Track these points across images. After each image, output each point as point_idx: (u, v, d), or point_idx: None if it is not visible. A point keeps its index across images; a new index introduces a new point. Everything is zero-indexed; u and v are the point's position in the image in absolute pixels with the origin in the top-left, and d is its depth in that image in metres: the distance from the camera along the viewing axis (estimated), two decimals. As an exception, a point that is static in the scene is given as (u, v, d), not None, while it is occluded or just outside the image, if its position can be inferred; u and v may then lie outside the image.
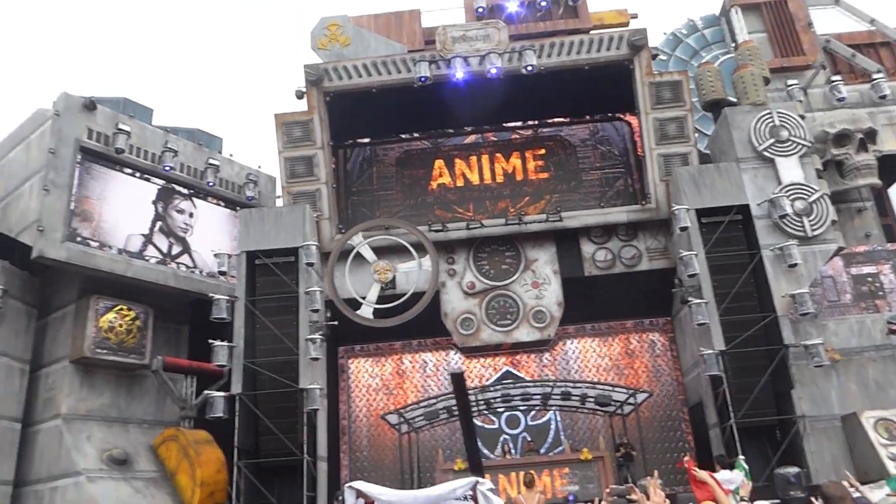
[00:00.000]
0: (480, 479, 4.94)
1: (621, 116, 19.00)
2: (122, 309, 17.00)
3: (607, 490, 13.84)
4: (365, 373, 18.73)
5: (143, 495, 14.78)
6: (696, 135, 17.73)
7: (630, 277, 17.11)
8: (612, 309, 18.31)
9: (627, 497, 13.08)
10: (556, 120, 19.31)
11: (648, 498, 5.07)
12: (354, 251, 16.58)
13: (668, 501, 4.80)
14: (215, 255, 18.07)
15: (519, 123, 19.42)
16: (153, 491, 15.13)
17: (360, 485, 5.28)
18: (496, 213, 18.15)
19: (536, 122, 19.33)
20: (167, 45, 66.46)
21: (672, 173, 16.62)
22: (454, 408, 16.25)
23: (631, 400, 16.84)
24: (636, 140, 18.49)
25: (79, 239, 16.55)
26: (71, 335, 16.43)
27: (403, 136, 19.55)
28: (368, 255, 16.66)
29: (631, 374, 18.56)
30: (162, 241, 18.24)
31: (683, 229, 15.67)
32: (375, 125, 19.05)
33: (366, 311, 16.34)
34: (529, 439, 17.96)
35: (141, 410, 16.99)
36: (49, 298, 17.39)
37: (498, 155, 19.02)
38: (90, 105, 17.36)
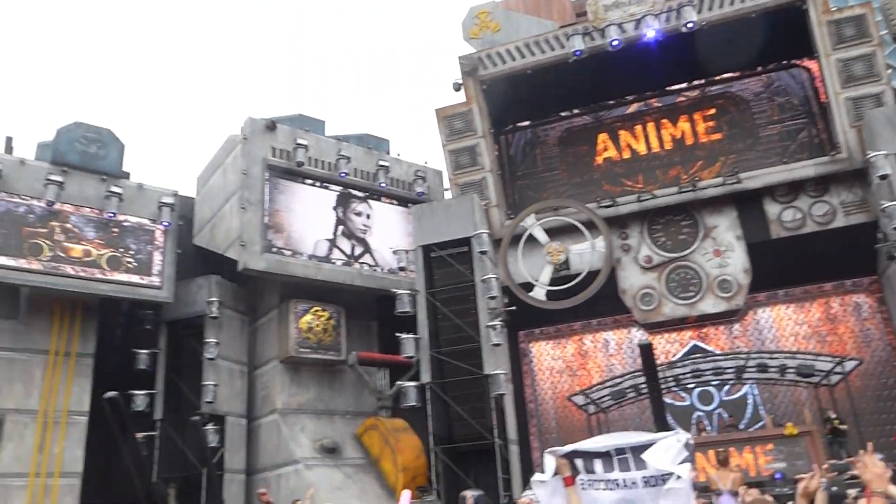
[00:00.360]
0: (680, 431, 4.76)
1: (798, 63, 17.42)
2: (317, 310, 18.45)
3: (825, 466, 12.93)
4: (547, 355, 18.86)
5: (353, 480, 16.05)
6: (889, 71, 15.87)
7: (824, 236, 15.73)
8: (806, 272, 16.93)
9: (844, 473, 12.13)
10: (724, 76, 18.11)
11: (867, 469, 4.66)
12: (526, 234, 16.73)
13: (889, 472, 4.41)
14: (394, 252, 19.11)
15: (684, 85, 18.45)
16: (361, 476, 16.37)
17: (558, 448, 5.24)
18: (668, 182, 17.45)
19: (703, 81, 18.26)
20: (329, 57, 70.15)
21: (864, 117, 15.03)
22: (641, 386, 15.94)
23: (838, 369, 15.54)
24: (817, 86, 16.88)
25: (274, 249, 18.14)
26: (277, 337, 18.13)
27: (563, 114, 19.30)
28: (541, 236, 16.75)
29: (835, 341, 17.09)
30: (345, 244, 19.50)
31: (883, 178, 14.14)
32: (534, 107, 18.99)
33: (538, 293, 16.47)
34: (728, 415, 17.15)
35: (343, 403, 18.42)
36: (256, 305, 19.31)
37: (664, 121, 18.23)
38: (271, 126, 18.93)
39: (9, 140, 18.10)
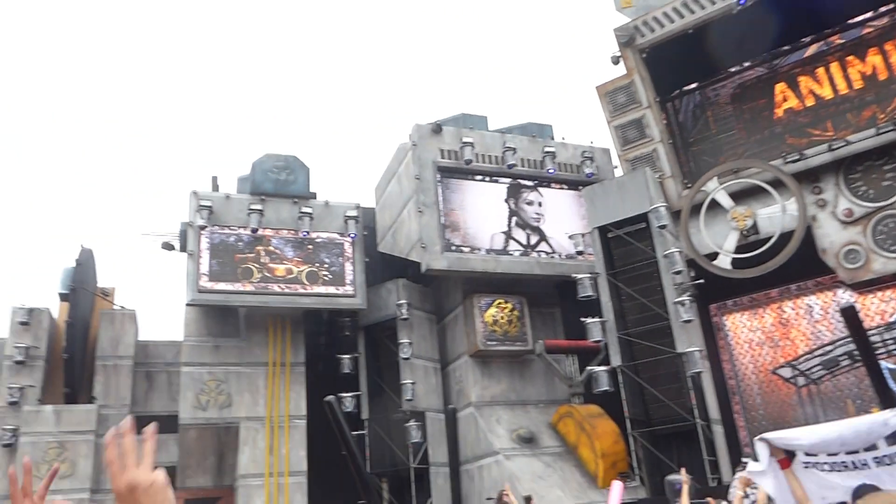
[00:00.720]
0: None
1: None
2: (500, 302, 18.83)
3: None
4: (743, 327, 17.72)
5: (552, 469, 16.23)
6: None
7: None
8: None
9: None
10: (919, -5, 15.91)
11: None
12: (707, 202, 15.94)
13: None
14: (570, 237, 19.03)
15: (869, 14, 16.42)
16: (561, 464, 16.50)
17: (772, 435, 5.00)
18: (862, 125, 15.68)
19: (892, 6, 16.13)
20: (482, 52, 70.74)
21: None
22: (856, 352, 14.53)
23: None
24: None
25: (453, 248, 18.77)
26: (464, 333, 18.75)
27: (733, 69, 18.00)
28: (725, 201, 15.87)
29: None
30: (520, 235, 19.69)
31: None
32: (700, 67, 17.93)
33: (723, 262, 15.61)
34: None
35: (534, 392, 18.65)
36: (441, 304, 20.10)
37: (850, 58, 16.37)
38: (437, 129, 19.58)
39: (214, 179, 20.37)
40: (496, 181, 20.04)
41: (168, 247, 20.73)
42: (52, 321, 20.03)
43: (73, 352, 18.83)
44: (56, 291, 19.75)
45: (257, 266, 18.58)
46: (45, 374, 19.16)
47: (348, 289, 19.07)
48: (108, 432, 1.36)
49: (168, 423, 18.51)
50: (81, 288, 19.65)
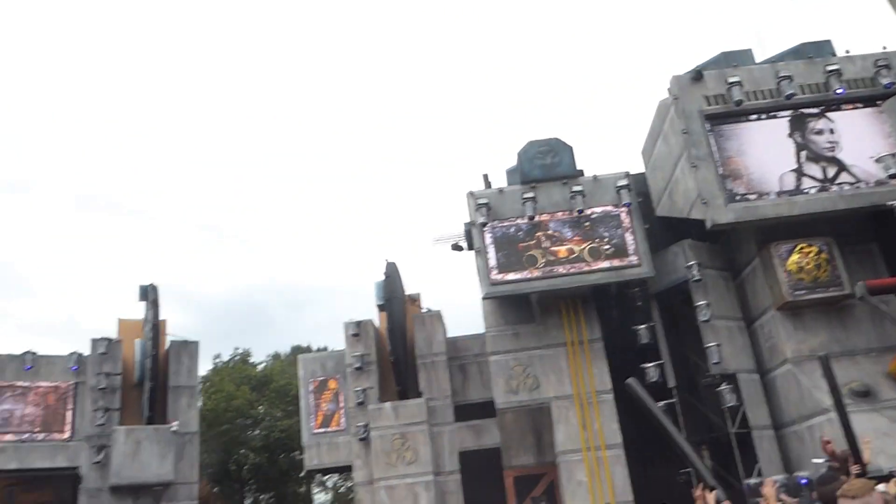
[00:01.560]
0: None
1: None
2: (802, 247, 17.17)
3: None
4: None
5: (899, 423, 14.41)
6: None
7: None
8: None
9: None
10: None
11: None
12: None
13: None
14: (877, 161, 16.78)
15: None
16: (909, 418, 14.57)
17: None
18: None
19: None
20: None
21: None
22: None
23: None
24: None
25: (738, 197, 17.59)
26: (766, 285, 17.42)
27: None
28: None
29: None
30: (814, 169, 17.76)
31: None
32: None
33: None
34: None
35: (861, 340, 16.64)
36: (733, 259, 18.95)
37: None
38: (697, 76, 18.54)
39: (485, 177, 21.49)
40: (774, 116, 18.30)
41: (457, 248, 22.38)
42: (376, 330, 22.84)
43: (397, 354, 21.33)
44: (374, 304, 22.51)
45: (540, 251, 19.19)
46: (380, 377, 21.97)
47: (632, 259, 18.83)
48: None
49: (486, 409, 20.10)
50: (394, 297, 22.10)
